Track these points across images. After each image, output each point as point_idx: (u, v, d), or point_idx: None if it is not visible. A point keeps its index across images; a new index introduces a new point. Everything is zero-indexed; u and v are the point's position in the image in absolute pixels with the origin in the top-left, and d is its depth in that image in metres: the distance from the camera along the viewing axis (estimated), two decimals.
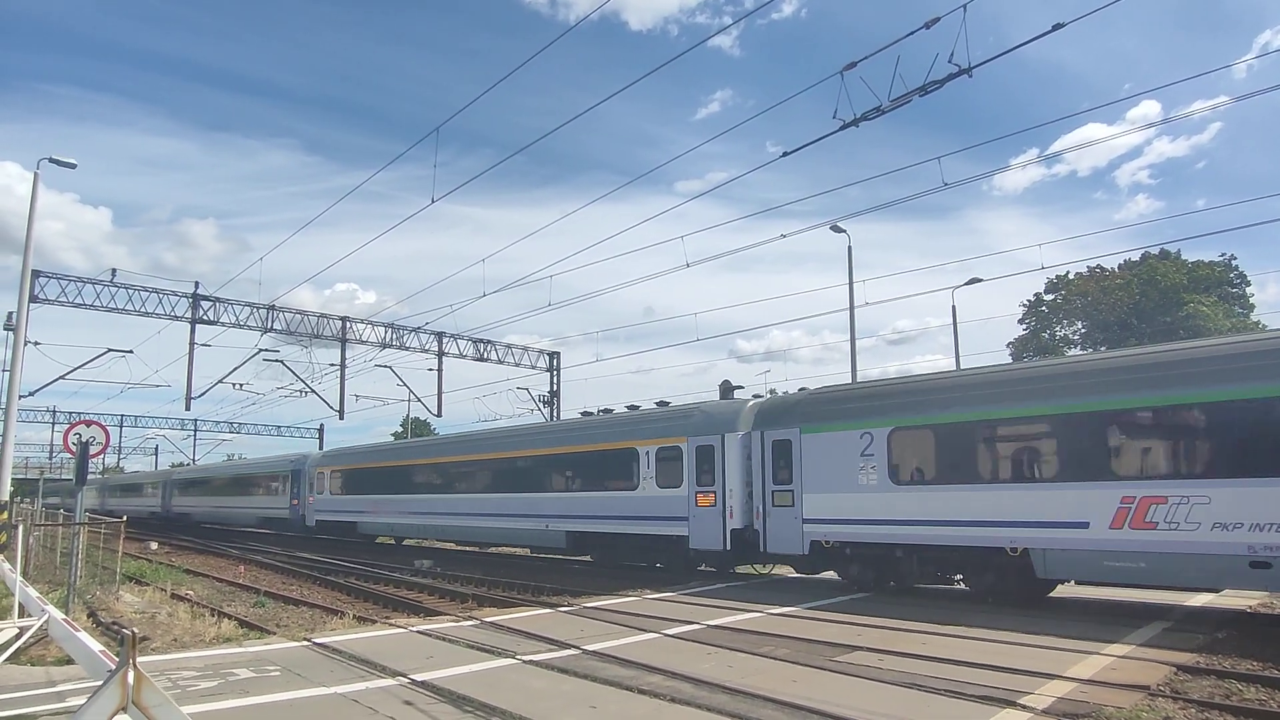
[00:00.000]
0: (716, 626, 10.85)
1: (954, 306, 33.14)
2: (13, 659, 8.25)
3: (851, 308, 26.87)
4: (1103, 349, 48.99)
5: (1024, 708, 6.74)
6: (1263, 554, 9.66)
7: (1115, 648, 9.13)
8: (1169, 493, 10.46)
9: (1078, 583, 12.39)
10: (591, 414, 22.97)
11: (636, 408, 21.26)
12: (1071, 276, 48.94)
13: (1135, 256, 47.12)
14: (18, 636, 8.35)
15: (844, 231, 26.47)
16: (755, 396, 18.11)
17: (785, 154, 14.34)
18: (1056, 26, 10.18)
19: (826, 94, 12.68)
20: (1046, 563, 11.60)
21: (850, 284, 26.99)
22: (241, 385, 37.71)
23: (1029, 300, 51.58)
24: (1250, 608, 12.43)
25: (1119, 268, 47.88)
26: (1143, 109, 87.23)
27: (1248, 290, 47.21)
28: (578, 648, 9.42)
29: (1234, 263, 46.85)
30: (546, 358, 37.74)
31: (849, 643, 9.57)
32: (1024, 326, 51.70)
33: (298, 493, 33.87)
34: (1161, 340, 43.70)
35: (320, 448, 57.81)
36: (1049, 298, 51.03)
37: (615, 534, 18.83)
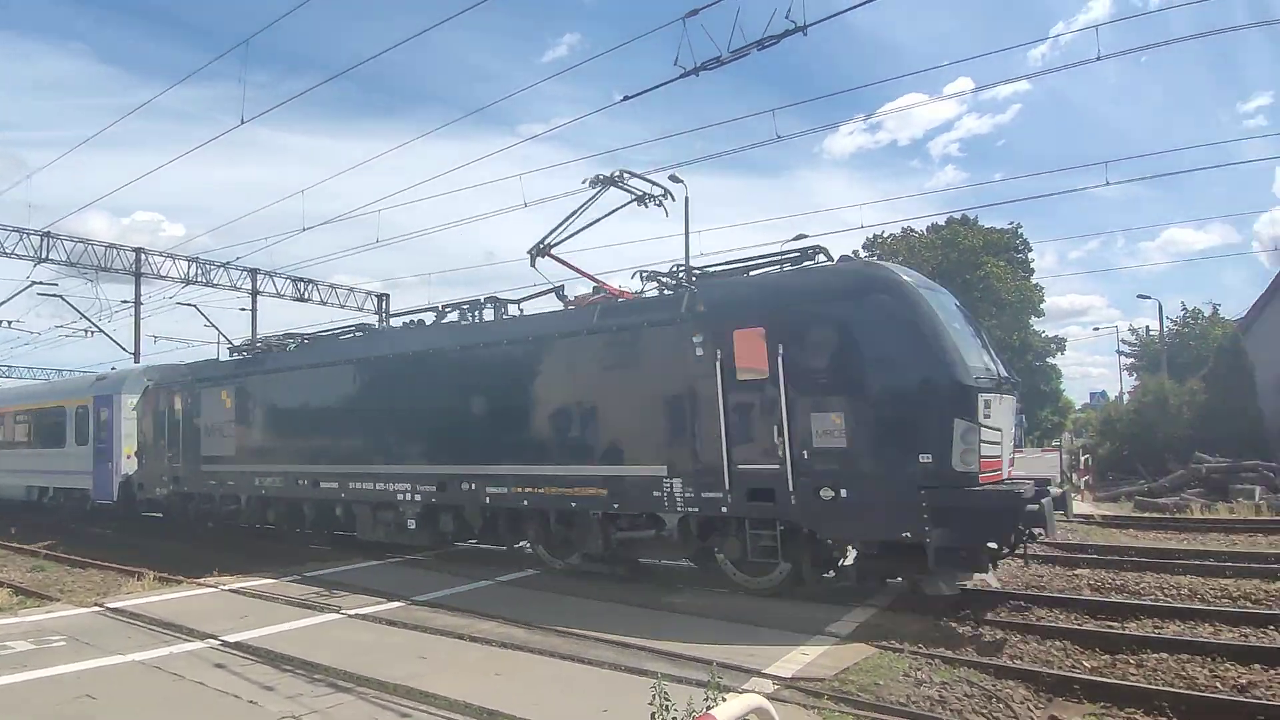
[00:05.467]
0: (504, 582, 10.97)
1: None
2: None
3: (688, 258, 27.47)
4: None
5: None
6: None
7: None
8: None
9: None
10: None
11: None
12: (886, 236, 52.89)
13: (941, 221, 51.69)
14: None
15: (681, 181, 26.73)
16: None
17: (626, 98, 14.10)
18: None
19: (671, 41, 12.59)
20: None
21: (686, 234, 27.44)
22: (11, 323, 32.60)
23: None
24: None
25: (927, 230, 52.26)
26: (958, 84, 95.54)
27: (1029, 256, 53.20)
28: (405, 599, 9.20)
29: (1020, 230, 52.41)
30: (375, 299, 35.85)
31: None
32: None
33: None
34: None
35: None
36: (865, 255, 54.75)
37: None
